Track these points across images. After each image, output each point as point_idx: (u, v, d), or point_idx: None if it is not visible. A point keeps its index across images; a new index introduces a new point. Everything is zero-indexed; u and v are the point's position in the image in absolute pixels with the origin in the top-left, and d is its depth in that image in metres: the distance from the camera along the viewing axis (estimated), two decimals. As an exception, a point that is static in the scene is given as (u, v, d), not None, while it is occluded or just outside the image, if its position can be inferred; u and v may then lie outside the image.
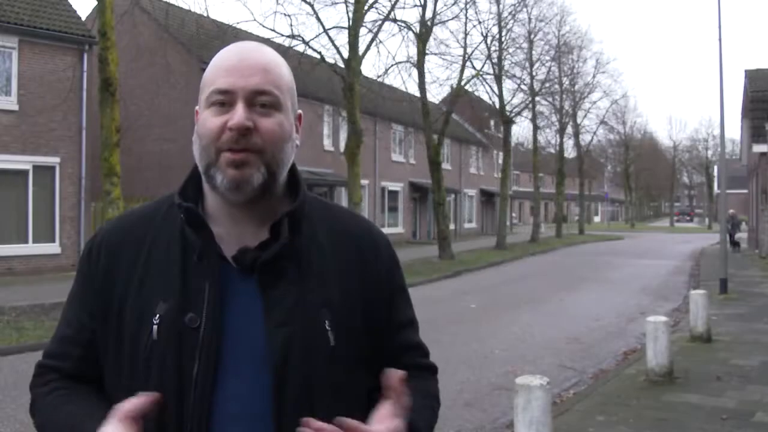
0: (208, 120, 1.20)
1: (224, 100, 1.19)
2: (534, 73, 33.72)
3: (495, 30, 28.66)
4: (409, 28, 22.43)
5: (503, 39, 29.21)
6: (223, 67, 1.21)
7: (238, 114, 1.16)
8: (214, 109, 1.19)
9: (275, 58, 1.25)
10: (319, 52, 19.49)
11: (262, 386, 1.14)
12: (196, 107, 1.27)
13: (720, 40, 14.02)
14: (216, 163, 1.18)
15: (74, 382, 1.25)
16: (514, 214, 54.04)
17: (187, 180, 1.28)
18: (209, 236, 1.20)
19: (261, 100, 1.19)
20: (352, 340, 1.22)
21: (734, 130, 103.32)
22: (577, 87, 41.14)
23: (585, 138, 46.20)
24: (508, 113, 30.95)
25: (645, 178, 72.96)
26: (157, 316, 1.17)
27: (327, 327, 1.20)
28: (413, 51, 23.57)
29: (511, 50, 30.79)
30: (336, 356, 1.19)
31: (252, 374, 1.15)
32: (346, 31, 19.51)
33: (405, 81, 54.02)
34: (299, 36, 19.09)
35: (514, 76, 31.46)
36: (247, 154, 1.17)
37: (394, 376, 1.14)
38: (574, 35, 38.20)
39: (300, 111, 1.30)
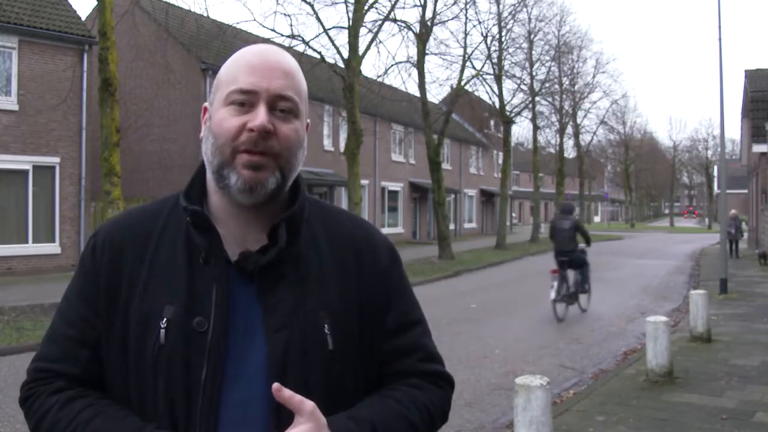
0: (226, 119, 1.17)
1: (245, 100, 1.17)
2: (534, 73, 33.76)
3: (495, 30, 28.71)
4: (409, 28, 22.45)
5: (503, 39, 29.26)
6: (245, 66, 1.19)
7: (261, 116, 1.15)
8: (233, 108, 1.18)
9: (295, 64, 1.25)
10: (319, 52, 19.50)
11: (264, 390, 1.13)
12: (204, 104, 1.25)
13: (720, 40, 14.02)
14: (231, 163, 1.17)
15: (90, 390, 1.20)
16: (514, 214, 54.02)
17: (191, 181, 1.27)
18: (216, 239, 1.19)
19: (282, 105, 1.18)
20: (351, 343, 1.21)
21: (734, 130, 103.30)
22: (577, 87, 41.18)
23: (585, 138, 46.31)
24: (508, 113, 30.96)
25: (645, 178, 72.98)
26: (164, 319, 1.15)
27: (326, 330, 1.19)
28: (413, 51, 23.67)
29: (511, 50, 30.87)
30: (335, 359, 1.19)
31: (255, 378, 1.15)
32: (346, 31, 19.51)
33: (405, 81, 54.17)
34: (299, 36, 19.10)
35: (514, 76, 31.51)
36: (264, 157, 1.16)
37: (275, 390, 1.09)
38: (574, 35, 38.27)
39: (308, 120, 1.29)
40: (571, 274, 12.00)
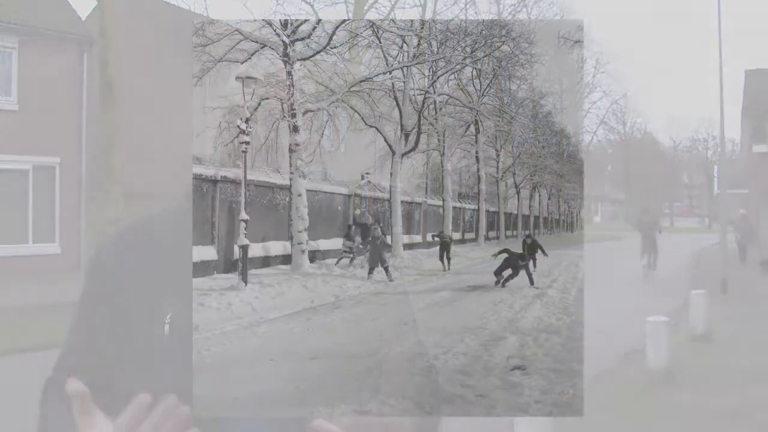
0: None
1: None
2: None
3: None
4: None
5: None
6: None
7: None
8: None
9: None
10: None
11: None
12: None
13: (720, 40, 14.04)
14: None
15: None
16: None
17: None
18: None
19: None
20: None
21: (734, 130, 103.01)
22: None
23: (585, 138, 46.31)
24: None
25: (645, 177, 72.92)
26: (169, 315, 1.17)
27: None
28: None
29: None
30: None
31: None
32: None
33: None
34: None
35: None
36: None
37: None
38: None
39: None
40: (650, 252, 19.26)
